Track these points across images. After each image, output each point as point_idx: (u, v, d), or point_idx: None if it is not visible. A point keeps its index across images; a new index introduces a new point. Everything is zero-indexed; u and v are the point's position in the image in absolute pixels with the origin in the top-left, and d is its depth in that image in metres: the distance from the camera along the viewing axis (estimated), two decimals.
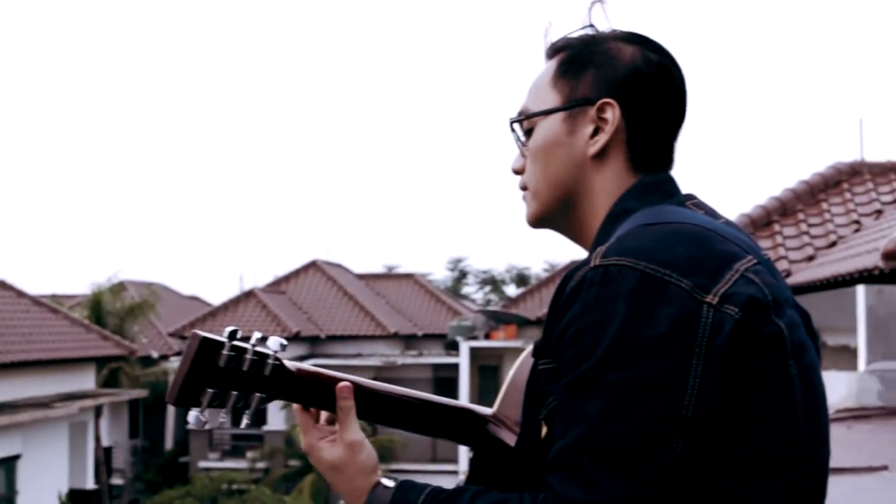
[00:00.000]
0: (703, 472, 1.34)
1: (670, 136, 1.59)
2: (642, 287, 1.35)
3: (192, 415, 1.50)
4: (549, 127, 1.59)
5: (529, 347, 1.71)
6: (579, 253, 1.61)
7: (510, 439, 1.70)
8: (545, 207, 1.62)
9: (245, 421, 1.59)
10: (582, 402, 1.34)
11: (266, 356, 1.55)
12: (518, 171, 1.66)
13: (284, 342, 1.55)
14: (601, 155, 1.56)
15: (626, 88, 1.55)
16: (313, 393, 1.60)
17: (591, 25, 1.62)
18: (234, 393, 1.52)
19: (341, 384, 1.61)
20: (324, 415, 1.66)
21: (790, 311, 1.43)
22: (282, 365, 1.56)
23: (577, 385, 1.35)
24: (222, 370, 1.51)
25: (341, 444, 1.59)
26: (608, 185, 1.56)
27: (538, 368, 1.48)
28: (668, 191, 1.56)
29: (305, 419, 1.64)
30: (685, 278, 1.35)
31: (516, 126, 1.64)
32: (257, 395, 1.55)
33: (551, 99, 1.60)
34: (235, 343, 1.52)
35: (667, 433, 1.31)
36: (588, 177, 1.57)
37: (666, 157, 1.59)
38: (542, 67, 1.65)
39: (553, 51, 1.64)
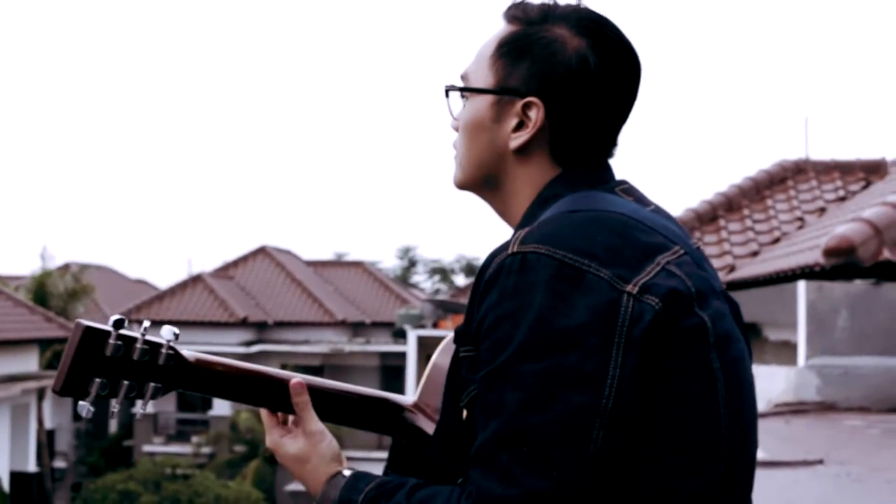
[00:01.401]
0: (624, 466, 1.33)
1: (602, 133, 1.54)
2: (560, 276, 1.34)
3: (81, 404, 1.50)
4: (477, 107, 1.56)
5: (450, 335, 1.70)
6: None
7: (428, 427, 1.69)
8: (467, 181, 1.60)
9: (140, 411, 1.57)
10: (500, 394, 1.33)
11: (159, 345, 1.53)
12: (454, 129, 1.62)
13: (176, 331, 1.53)
14: (524, 150, 1.53)
15: (556, 89, 1.50)
16: (217, 384, 1.59)
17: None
18: (126, 382, 1.51)
19: (294, 381, 1.61)
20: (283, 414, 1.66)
21: (716, 303, 1.42)
22: (177, 354, 1.54)
23: (495, 376, 1.34)
24: (110, 359, 1.49)
25: (302, 435, 1.60)
26: (531, 175, 1.54)
27: (459, 355, 1.47)
28: (601, 177, 1.53)
29: (269, 419, 1.64)
30: (604, 268, 1.34)
31: (451, 91, 1.61)
32: (152, 384, 1.53)
33: (487, 77, 1.55)
34: (123, 332, 1.50)
35: (587, 425, 1.30)
36: (510, 166, 1.55)
37: (596, 151, 1.55)
38: (497, 30, 1.58)
39: (508, 16, 1.57)
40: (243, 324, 34.49)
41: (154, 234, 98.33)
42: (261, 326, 36.38)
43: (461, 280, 60.61)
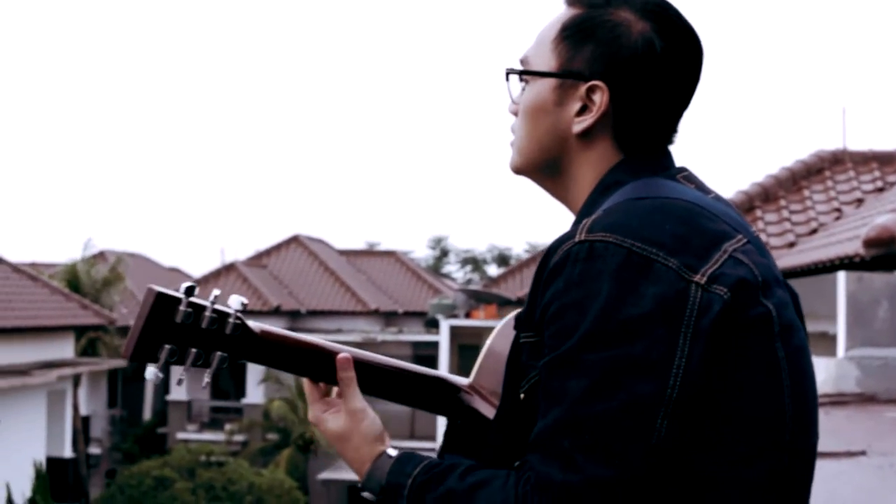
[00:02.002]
0: (687, 454, 1.33)
1: (666, 118, 1.53)
2: (628, 265, 1.32)
3: (150, 370, 1.49)
4: (539, 90, 1.54)
5: (509, 316, 1.69)
6: (561, 230, 1.59)
7: (485, 409, 1.68)
8: (526, 165, 1.59)
9: (206, 379, 1.56)
10: (564, 382, 1.32)
11: (227, 314, 1.52)
12: (512, 113, 1.61)
13: (245, 301, 1.53)
14: (587, 134, 1.52)
15: (621, 73, 1.48)
16: (279, 355, 1.58)
17: None
18: (194, 350, 1.51)
19: (341, 356, 1.60)
20: (326, 386, 1.65)
21: (780, 292, 1.41)
22: (244, 324, 1.54)
23: (560, 364, 1.33)
24: (180, 326, 1.49)
25: (344, 413, 1.59)
26: (593, 160, 1.53)
27: (520, 341, 1.46)
28: (662, 164, 1.52)
29: (312, 391, 1.63)
30: (672, 257, 1.33)
31: (512, 74, 1.59)
32: (218, 353, 1.53)
33: (549, 60, 1.54)
34: (193, 300, 1.50)
35: (651, 414, 1.29)
36: (572, 150, 1.53)
37: (659, 136, 1.54)
38: (557, 14, 1.57)
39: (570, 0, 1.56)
40: (276, 312, 34.59)
41: (187, 223, 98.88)
42: (294, 315, 36.49)
43: (493, 270, 60.60)
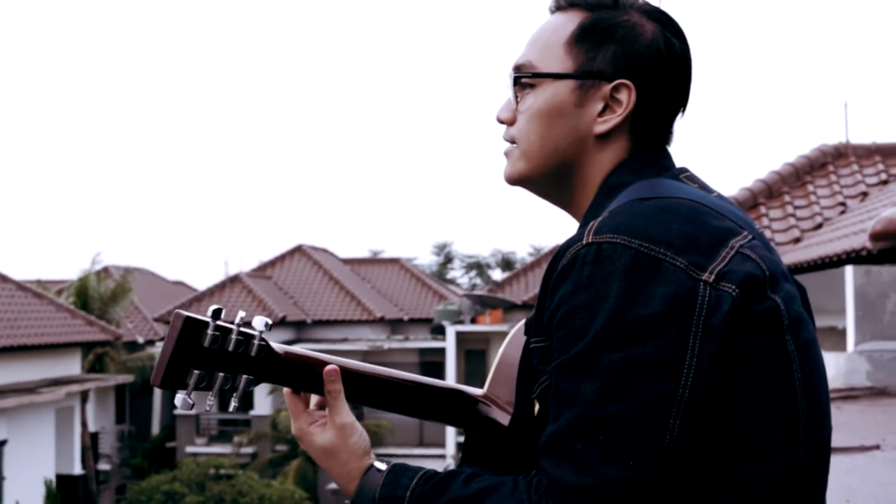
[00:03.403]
0: (701, 453, 1.32)
1: (675, 116, 1.55)
2: (636, 265, 1.32)
3: (179, 397, 1.46)
4: (556, 92, 1.52)
5: (519, 324, 1.69)
6: (565, 236, 1.57)
7: (502, 419, 1.67)
8: (534, 171, 1.56)
9: (233, 404, 1.52)
10: (575, 384, 1.31)
11: (252, 336, 1.50)
12: (504, 122, 1.58)
13: (269, 321, 1.51)
14: (607, 134, 1.51)
15: (644, 71, 1.49)
16: (302, 376, 1.56)
17: None
18: (221, 374, 1.48)
19: (328, 367, 1.56)
20: (314, 399, 1.62)
21: (787, 286, 1.41)
22: (268, 346, 1.52)
23: (570, 366, 1.32)
24: (207, 350, 1.47)
25: (332, 427, 1.55)
26: (605, 160, 1.52)
27: (530, 347, 1.45)
28: (664, 164, 1.53)
29: (295, 404, 1.59)
30: (680, 256, 1.33)
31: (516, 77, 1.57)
32: (244, 376, 1.50)
33: (563, 62, 1.52)
34: (220, 323, 1.47)
35: (664, 415, 1.29)
36: (588, 152, 1.53)
37: (666, 135, 1.56)
38: (550, 19, 1.57)
39: (568, 3, 1.56)
40: (282, 323, 34.61)
41: (191, 236, 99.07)
42: (299, 325, 36.53)
43: (497, 274, 60.66)
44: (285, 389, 1.61)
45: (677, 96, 1.53)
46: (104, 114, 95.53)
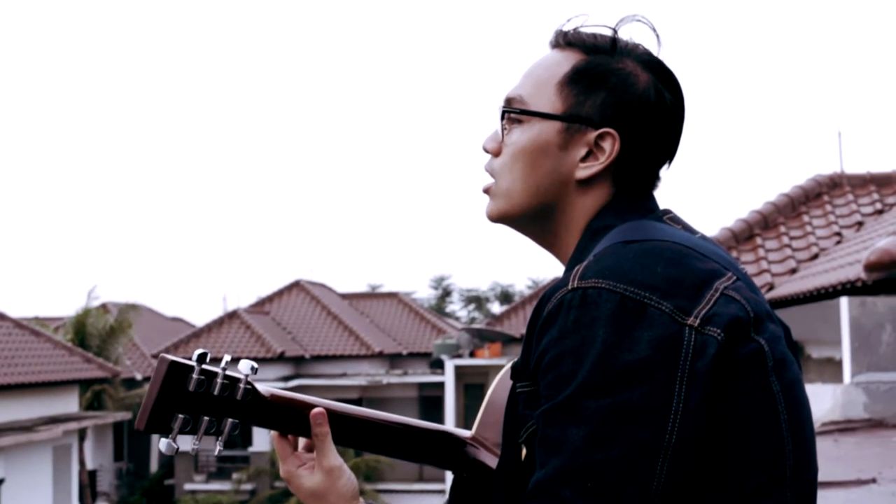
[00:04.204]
0: (692, 496, 1.31)
1: (660, 166, 1.54)
2: (622, 310, 1.31)
3: (164, 442, 1.47)
4: (541, 132, 1.51)
5: (506, 367, 1.68)
6: (561, 270, 1.56)
7: (490, 461, 1.67)
8: (515, 210, 1.55)
9: (218, 447, 1.53)
10: (563, 430, 1.31)
11: (237, 380, 1.51)
12: (489, 152, 1.57)
13: (255, 365, 1.51)
14: (588, 180, 1.50)
15: (631, 121, 1.48)
16: (288, 419, 1.57)
17: (613, 29, 1.54)
18: (206, 418, 1.49)
19: (315, 410, 1.57)
20: (302, 441, 1.63)
21: (772, 326, 1.40)
22: (254, 389, 1.52)
23: (558, 412, 1.32)
24: (192, 395, 1.47)
25: (320, 470, 1.56)
26: (588, 205, 1.52)
27: (516, 391, 1.44)
28: (648, 206, 1.52)
29: (283, 447, 1.60)
30: (665, 300, 1.32)
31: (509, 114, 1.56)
32: (230, 420, 1.51)
33: (553, 102, 1.51)
34: (205, 367, 1.48)
35: (651, 460, 1.28)
36: (569, 195, 1.52)
37: (651, 183, 1.55)
38: (548, 55, 1.56)
39: (566, 42, 1.55)
40: (280, 359, 34.54)
41: (189, 272, 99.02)
42: (298, 361, 36.45)
43: (496, 308, 60.61)
44: (273, 432, 1.61)
45: (664, 148, 1.52)
46: (101, 150, 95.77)
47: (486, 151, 1.58)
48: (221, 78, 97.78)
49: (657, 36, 1.56)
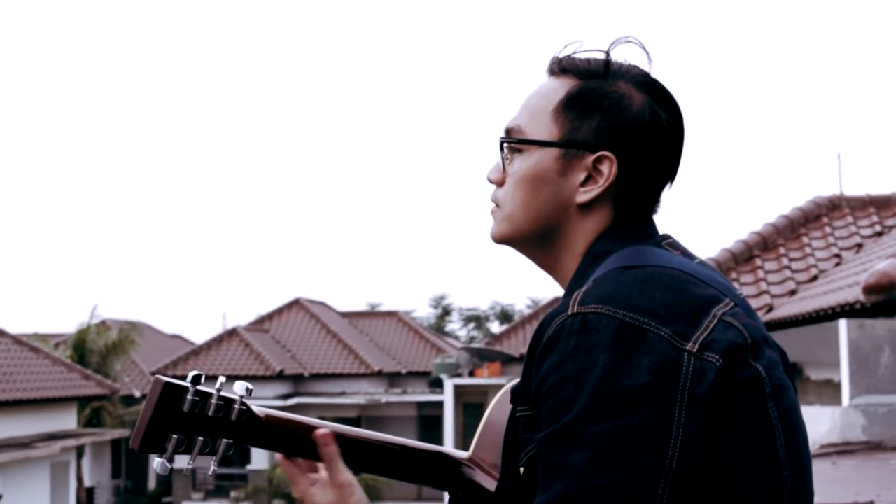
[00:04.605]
0: None
1: (661, 188, 1.55)
2: (622, 336, 1.32)
3: (158, 461, 1.49)
4: (540, 160, 1.53)
5: (505, 388, 1.69)
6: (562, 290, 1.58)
7: (486, 482, 1.69)
8: (517, 234, 1.57)
9: (212, 467, 1.56)
10: (564, 455, 1.32)
11: (232, 401, 1.53)
12: (494, 182, 1.60)
13: (250, 386, 1.53)
14: (588, 204, 1.52)
15: (628, 143, 1.50)
16: (283, 439, 1.59)
17: (606, 53, 1.56)
18: (201, 438, 1.51)
19: (320, 432, 1.59)
20: (306, 462, 1.65)
21: (769, 352, 1.41)
22: (249, 410, 1.54)
23: (559, 437, 1.33)
24: (187, 415, 1.49)
25: (332, 487, 1.59)
26: (589, 228, 1.53)
27: (516, 415, 1.46)
28: (648, 232, 1.54)
29: (290, 468, 1.63)
30: (664, 326, 1.33)
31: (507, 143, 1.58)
32: (224, 440, 1.53)
33: (549, 130, 1.53)
34: (200, 388, 1.50)
35: (652, 485, 1.29)
36: (571, 219, 1.54)
37: (651, 205, 1.56)
38: (544, 83, 1.58)
39: (560, 69, 1.57)
40: (279, 377, 34.50)
41: (188, 290, 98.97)
42: (297, 379, 36.38)
43: (496, 327, 60.53)
44: (279, 455, 1.64)
45: (663, 168, 1.53)
46: (103, 167, 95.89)
47: (491, 182, 1.60)
48: (224, 95, 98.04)
49: (648, 56, 1.58)
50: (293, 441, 1.59)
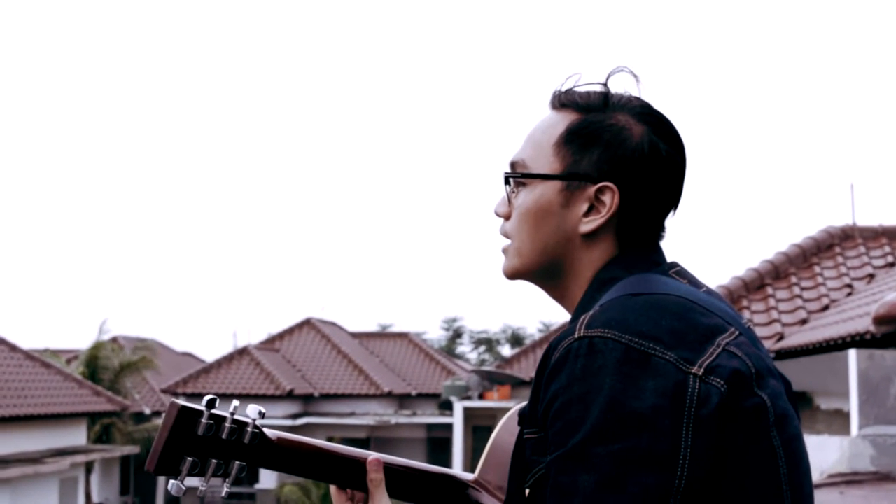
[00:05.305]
0: None
1: (663, 216, 1.58)
2: (627, 360, 1.34)
3: (172, 483, 1.52)
4: (543, 193, 1.57)
5: (512, 411, 1.72)
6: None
7: (491, 503, 1.71)
8: (527, 268, 1.61)
9: (225, 489, 1.60)
10: (573, 477, 1.33)
11: (245, 424, 1.57)
12: (501, 216, 1.64)
13: (262, 410, 1.57)
14: (592, 234, 1.55)
15: (629, 174, 1.53)
16: (294, 461, 1.63)
17: (604, 85, 1.59)
18: (214, 461, 1.55)
19: (371, 458, 1.66)
20: (360, 493, 1.72)
21: (773, 382, 1.43)
22: (261, 433, 1.59)
23: (568, 459, 1.34)
24: (201, 438, 1.53)
25: None
26: (595, 257, 1.56)
27: (524, 437, 1.48)
28: (655, 260, 1.56)
29: (339, 496, 1.71)
30: (669, 351, 1.35)
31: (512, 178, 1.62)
32: (237, 463, 1.57)
33: (551, 163, 1.57)
34: (214, 412, 1.54)
35: None
36: (576, 249, 1.57)
37: (655, 233, 1.59)
38: (546, 117, 1.62)
39: (560, 103, 1.61)
40: (289, 396, 34.46)
41: (200, 308, 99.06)
42: (307, 399, 36.35)
43: (507, 350, 60.41)
44: (332, 486, 1.71)
45: (664, 197, 1.56)
46: (115, 183, 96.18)
47: (499, 216, 1.64)
48: (233, 112, 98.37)
49: (638, 82, 1.61)
50: (303, 463, 1.64)
